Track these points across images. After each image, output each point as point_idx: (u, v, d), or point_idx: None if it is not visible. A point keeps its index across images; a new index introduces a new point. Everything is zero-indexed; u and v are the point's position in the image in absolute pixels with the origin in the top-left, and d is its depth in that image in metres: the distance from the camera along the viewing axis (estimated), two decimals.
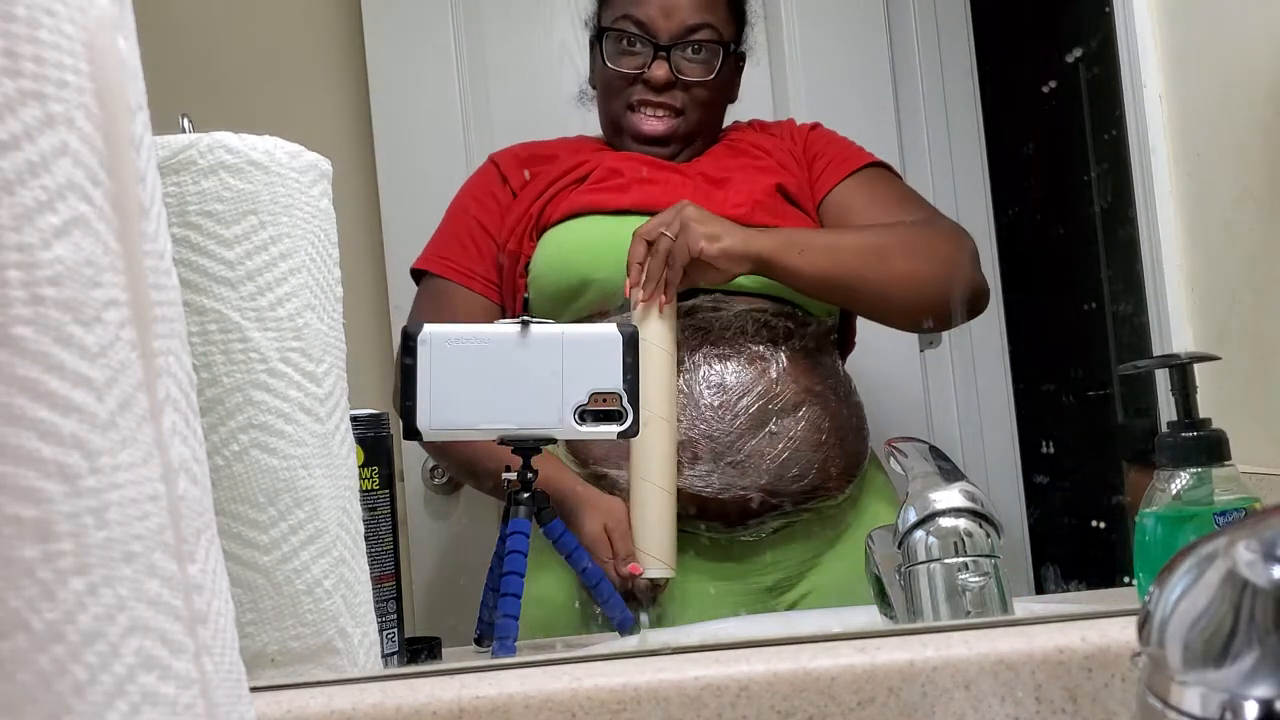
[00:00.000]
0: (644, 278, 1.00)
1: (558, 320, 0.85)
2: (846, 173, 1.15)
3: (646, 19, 1.14)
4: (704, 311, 1.07)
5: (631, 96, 1.16)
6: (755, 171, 1.16)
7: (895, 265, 1.08)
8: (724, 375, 1.06)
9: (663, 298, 0.99)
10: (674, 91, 1.15)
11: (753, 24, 1.21)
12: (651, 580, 0.97)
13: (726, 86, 1.19)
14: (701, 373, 1.06)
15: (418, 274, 1.18)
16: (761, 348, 1.07)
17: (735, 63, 1.19)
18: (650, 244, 1.00)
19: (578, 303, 1.09)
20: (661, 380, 0.99)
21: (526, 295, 1.12)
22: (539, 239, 1.12)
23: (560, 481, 1.01)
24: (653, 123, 1.15)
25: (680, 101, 1.15)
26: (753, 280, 1.06)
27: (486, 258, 1.14)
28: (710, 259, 1.00)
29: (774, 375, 1.06)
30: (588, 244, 1.11)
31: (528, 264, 1.12)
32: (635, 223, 1.06)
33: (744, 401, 1.05)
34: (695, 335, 1.06)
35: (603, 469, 1.05)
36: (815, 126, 1.21)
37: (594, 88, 1.22)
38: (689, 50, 1.15)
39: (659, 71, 1.14)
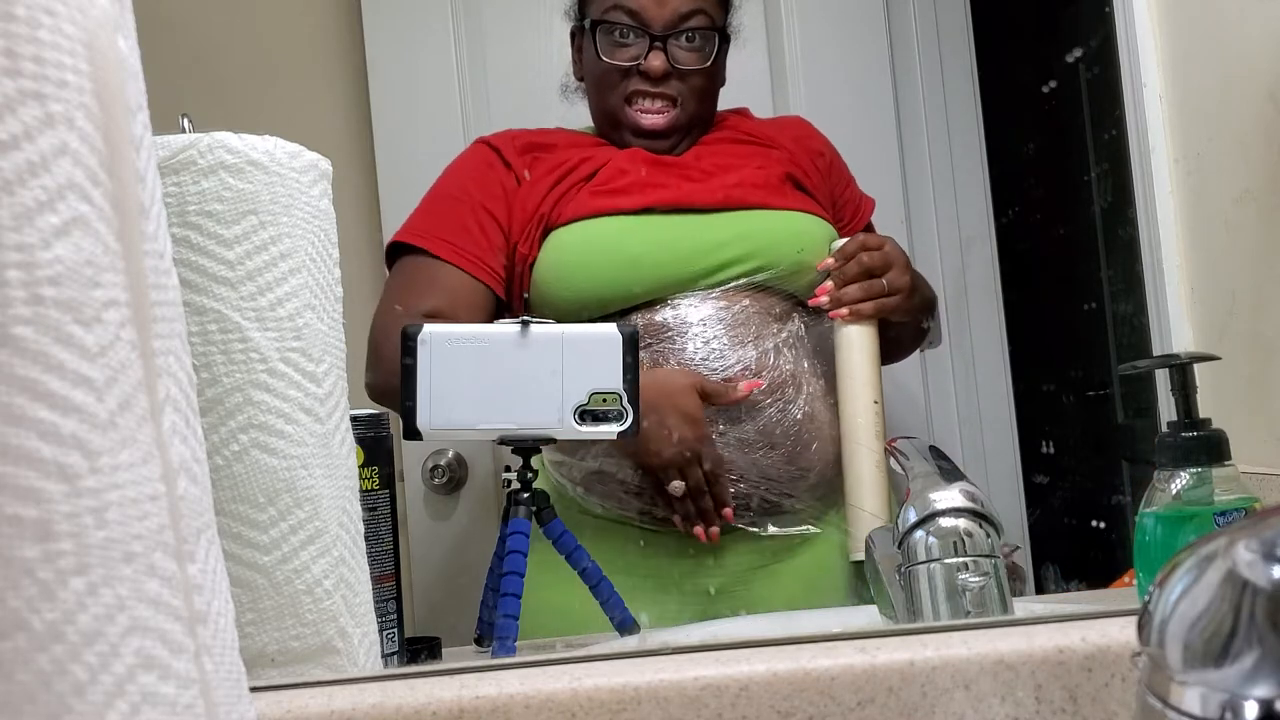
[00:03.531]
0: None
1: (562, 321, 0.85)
2: (869, 217, 1.20)
3: (639, 8, 1.13)
4: (655, 310, 1.08)
5: (628, 89, 1.14)
6: (764, 159, 1.16)
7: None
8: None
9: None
10: (671, 82, 1.13)
11: (738, 6, 1.20)
12: None
13: (719, 72, 1.18)
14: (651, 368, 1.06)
15: (395, 249, 1.12)
16: (727, 342, 1.07)
17: (724, 47, 1.18)
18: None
19: (589, 308, 1.08)
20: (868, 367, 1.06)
21: (526, 295, 1.11)
22: (545, 239, 1.10)
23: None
24: (652, 117, 1.14)
25: (677, 91, 1.14)
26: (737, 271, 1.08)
27: (495, 249, 1.11)
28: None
29: (745, 370, 1.07)
30: (603, 249, 1.09)
31: (532, 264, 1.10)
32: (647, 223, 1.07)
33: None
34: (652, 335, 1.07)
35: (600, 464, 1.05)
36: (831, 146, 1.22)
37: (579, 79, 1.21)
38: (683, 39, 1.13)
39: (655, 62, 1.12)
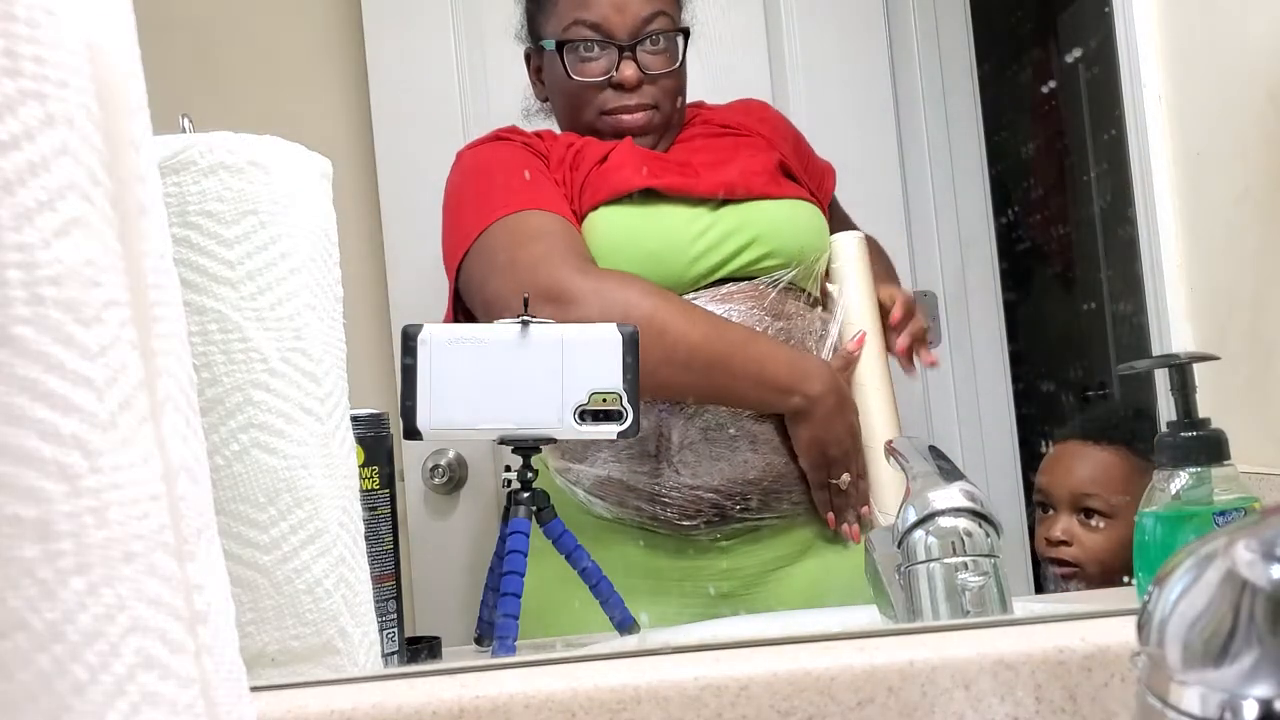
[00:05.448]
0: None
1: None
2: (834, 187, 1.20)
3: (601, 19, 1.11)
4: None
5: (605, 104, 1.12)
6: (753, 149, 1.15)
7: None
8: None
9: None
10: (644, 88, 1.12)
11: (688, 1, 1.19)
12: None
13: (685, 69, 1.17)
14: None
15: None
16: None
17: (687, 43, 1.16)
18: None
19: None
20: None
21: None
22: (583, 222, 1.08)
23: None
24: (631, 116, 1.12)
25: (652, 97, 1.13)
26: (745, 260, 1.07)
27: (567, 202, 1.08)
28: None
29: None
30: (619, 249, 1.07)
31: None
32: (660, 217, 1.07)
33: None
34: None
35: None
36: (789, 122, 1.22)
37: (542, 100, 1.19)
38: (649, 43, 1.12)
39: (628, 72, 1.11)
